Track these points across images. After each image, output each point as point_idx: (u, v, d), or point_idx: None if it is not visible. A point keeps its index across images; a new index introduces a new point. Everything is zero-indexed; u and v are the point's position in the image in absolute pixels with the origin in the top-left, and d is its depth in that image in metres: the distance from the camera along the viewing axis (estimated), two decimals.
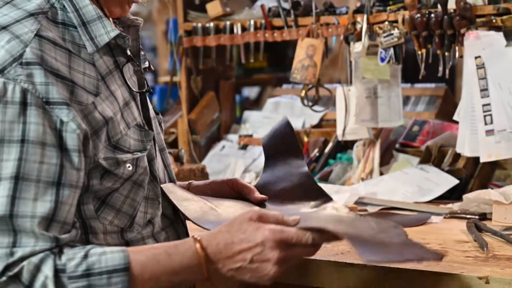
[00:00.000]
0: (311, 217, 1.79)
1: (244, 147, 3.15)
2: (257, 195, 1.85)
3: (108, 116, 1.54)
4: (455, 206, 2.36)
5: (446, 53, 2.57)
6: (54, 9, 1.53)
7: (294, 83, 3.25)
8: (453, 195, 2.53)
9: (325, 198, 1.88)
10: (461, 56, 2.54)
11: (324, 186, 2.66)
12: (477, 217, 2.22)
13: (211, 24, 3.03)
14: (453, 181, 2.55)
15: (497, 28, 2.48)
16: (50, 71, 1.46)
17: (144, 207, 1.64)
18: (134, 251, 1.47)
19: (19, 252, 1.40)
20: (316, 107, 2.96)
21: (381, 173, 2.72)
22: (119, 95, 1.60)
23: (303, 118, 3.24)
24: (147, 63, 1.73)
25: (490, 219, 2.13)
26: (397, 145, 2.88)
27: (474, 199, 2.27)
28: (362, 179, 2.70)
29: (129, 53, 1.63)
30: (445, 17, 2.53)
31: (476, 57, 2.47)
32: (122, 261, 1.43)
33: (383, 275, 1.77)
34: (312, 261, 1.86)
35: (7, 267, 1.39)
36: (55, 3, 1.54)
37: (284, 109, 3.33)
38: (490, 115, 2.44)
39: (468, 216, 2.23)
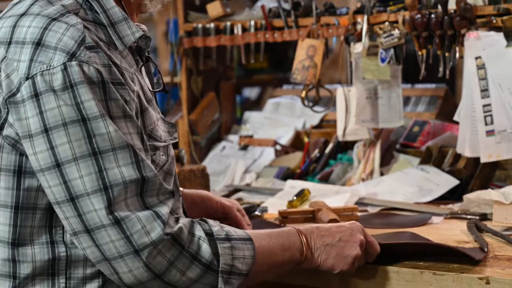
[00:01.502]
0: None
1: (244, 147, 3.15)
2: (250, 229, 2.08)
3: (145, 105, 1.62)
4: (456, 207, 2.36)
5: (447, 54, 2.57)
6: (83, 9, 1.60)
7: (294, 84, 3.25)
8: (453, 195, 2.53)
9: None
10: (461, 57, 2.54)
11: (324, 186, 2.68)
12: (477, 217, 2.22)
13: (212, 25, 3.03)
14: (453, 182, 2.55)
15: (498, 29, 2.48)
16: (107, 56, 1.54)
17: None
18: (249, 231, 1.65)
19: (163, 211, 1.52)
20: (316, 108, 2.96)
21: (382, 174, 2.73)
22: (147, 91, 1.69)
23: (303, 118, 3.24)
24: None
25: (491, 220, 2.13)
26: (397, 146, 2.88)
27: (474, 199, 2.27)
28: (363, 180, 2.71)
29: (147, 54, 1.72)
30: (446, 17, 2.53)
31: (476, 58, 2.47)
32: (245, 234, 1.61)
33: (383, 275, 1.77)
34: None
35: (166, 226, 1.50)
36: (83, 4, 1.61)
37: (285, 109, 3.33)
38: (491, 115, 2.44)
39: (468, 217, 2.24)
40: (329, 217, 2.15)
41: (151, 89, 1.73)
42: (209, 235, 1.55)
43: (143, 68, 1.73)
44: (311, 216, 2.23)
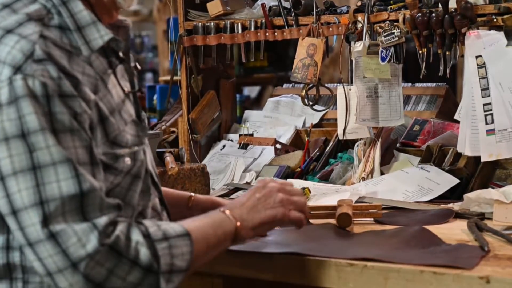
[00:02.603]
0: None
1: (244, 146, 3.14)
2: None
3: (105, 114, 1.61)
4: (456, 206, 2.35)
5: (447, 53, 2.56)
6: (51, 14, 1.61)
7: (294, 83, 3.25)
8: (453, 194, 2.53)
9: None
10: (462, 56, 2.54)
11: (324, 185, 2.68)
12: (478, 216, 2.22)
13: (212, 23, 3.03)
14: (453, 181, 2.55)
15: (498, 28, 2.48)
16: (58, 68, 1.54)
17: (137, 200, 1.71)
18: (182, 222, 1.67)
19: (101, 222, 1.52)
20: (316, 107, 2.95)
21: (382, 173, 2.72)
22: (115, 94, 1.68)
23: (303, 117, 3.24)
24: (132, 63, 1.82)
25: (491, 219, 2.13)
26: (397, 145, 2.87)
27: (475, 198, 2.27)
28: (363, 179, 2.70)
29: (121, 55, 1.72)
30: (446, 16, 2.53)
31: (477, 57, 2.47)
32: (182, 228, 1.63)
33: (383, 274, 1.77)
34: (313, 261, 1.86)
35: (102, 237, 1.51)
36: (51, 9, 1.61)
37: (285, 108, 3.33)
38: (491, 114, 2.44)
39: (469, 216, 2.23)
40: (341, 211, 2.15)
41: (126, 90, 1.74)
42: (147, 237, 1.57)
43: (119, 70, 1.73)
44: (334, 212, 2.21)
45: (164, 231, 1.60)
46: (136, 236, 1.55)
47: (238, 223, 1.74)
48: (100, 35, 1.64)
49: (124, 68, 1.75)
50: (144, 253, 1.55)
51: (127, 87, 1.75)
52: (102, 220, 1.52)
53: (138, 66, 1.84)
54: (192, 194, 2.07)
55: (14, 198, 1.50)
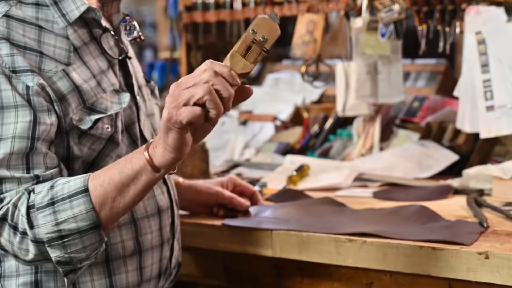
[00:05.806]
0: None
1: (244, 123, 3.15)
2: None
3: (78, 82, 1.67)
4: (455, 182, 2.36)
5: (447, 29, 2.56)
6: None
7: (294, 59, 3.24)
8: (453, 171, 2.53)
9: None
10: (461, 32, 2.53)
11: (324, 162, 2.68)
12: (477, 192, 2.22)
13: (211, 0, 3.02)
14: (453, 157, 2.55)
15: (498, 4, 2.47)
16: (16, 44, 1.62)
17: None
18: (95, 173, 1.60)
19: (7, 197, 1.59)
20: (316, 83, 2.95)
21: (381, 149, 2.72)
22: (93, 64, 1.73)
23: (303, 94, 3.24)
24: (135, 33, 1.85)
25: (490, 195, 2.13)
26: (397, 121, 2.87)
27: (474, 175, 2.27)
28: (362, 155, 2.70)
29: (104, 24, 1.76)
30: None
31: (476, 33, 2.46)
32: (81, 184, 1.58)
33: (382, 250, 1.78)
34: (312, 237, 1.87)
35: None
36: None
37: (284, 85, 3.32)
38: (491, 91, 2.43)
39: (468, 192, 2.24)
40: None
41: (113, 57, 1.77)
42: (31, 208, 1.57)
43: (110, 39, 1.78)
44: None
45: (54, 195, 1.57)
46: (23, 208, 1.58)
47: (146, 150, 1.57)
48: (76, 6, 1.70)
49: (114, 40, 1.79)
50: (21, 221, 1.57)
51: (116, 55, 1.78)
52: (10, 194, 1.58)
53: (142, 37, 1.85)
54: (180, 179, 2.09)
55: None
